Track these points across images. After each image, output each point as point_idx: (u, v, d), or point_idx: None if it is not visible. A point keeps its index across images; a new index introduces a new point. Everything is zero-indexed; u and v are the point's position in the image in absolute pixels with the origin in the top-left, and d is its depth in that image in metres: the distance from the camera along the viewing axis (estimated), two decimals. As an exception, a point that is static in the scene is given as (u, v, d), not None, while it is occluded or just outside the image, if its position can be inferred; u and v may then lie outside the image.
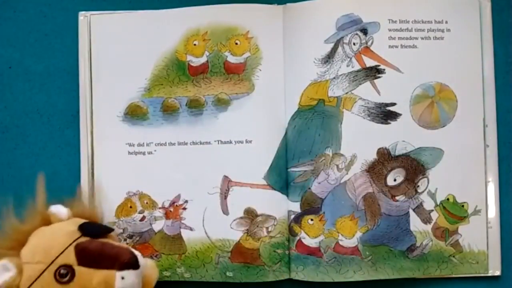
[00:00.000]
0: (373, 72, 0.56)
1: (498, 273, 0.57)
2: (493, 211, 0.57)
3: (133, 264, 0.47)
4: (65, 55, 0.59)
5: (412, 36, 0.57)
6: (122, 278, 0.46)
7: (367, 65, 0.57)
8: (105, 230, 0.51)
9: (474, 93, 0.57)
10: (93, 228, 0.50)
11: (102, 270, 0.46)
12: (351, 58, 0.57)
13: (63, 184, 0.58)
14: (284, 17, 0.57)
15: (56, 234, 0.49)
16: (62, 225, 0.50)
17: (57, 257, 0.47)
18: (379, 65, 0.57)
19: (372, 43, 0.57)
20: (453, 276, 0.57)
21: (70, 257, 0.47)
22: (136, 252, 0.49)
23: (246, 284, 0.56)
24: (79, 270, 0.47)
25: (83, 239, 0.49)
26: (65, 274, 0.46)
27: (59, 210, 0.51)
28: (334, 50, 0.56)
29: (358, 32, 0.56)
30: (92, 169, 0.57)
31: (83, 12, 0.58)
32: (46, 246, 0.48)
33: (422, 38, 0.57)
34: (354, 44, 0.57)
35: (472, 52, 0.57)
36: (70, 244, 0.48)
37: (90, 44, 0.58)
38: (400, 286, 0.57)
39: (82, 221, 0.51)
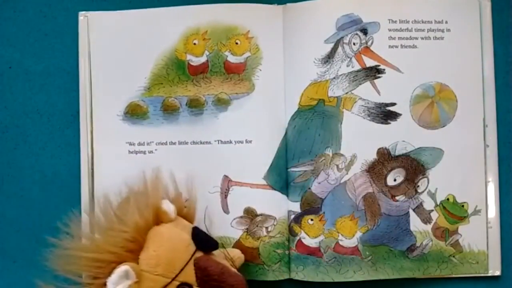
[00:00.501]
0: (373, 72, 0.57)
1: (498, 273, 0.57)
2: (493, 211, 0.57)
3: None
4: (65, 55, 0.59)
5: (412, 36, 0.57)
6: None
7: (367, 65, 0.57)
8: (215, 245, 0.50)
9: (474, 93, 0.57)
10: (206, 243, 0.49)
11: None
12: (351, 58, 0.57)
13: (63, 184, 0.58)
14: (284, 17, 0.57)
15: (176, 244, 0.47)
16: (176, 231, 0.49)
17: (178, 273, 0.46)
18: (379, 65, 0.57)
19: (372, 43, 0.57)
20: (453, 276, 0.57)
21: (190, 275, 0.46)
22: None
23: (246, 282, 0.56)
24: None
25: (199, 253, 0.48)
26: None
27: (169, 208, 0.49)
28: (334, 50, 0.56)
29: (358, 32, 0.57)
30: (92, 169, 0.57)
31: (83, 12, 0.58)
32: (169, 259, 0.46)
33: (422, 38, 0.57)
34: (354, 44, 0.57)
35: (472, 52, 0.57)
36: (190, 260, 0.47)
37: (90, 44, 0.58)
38: (400, 286, 0.57)
39: (188, 224, 0.50)
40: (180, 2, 0.57)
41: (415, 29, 0.57)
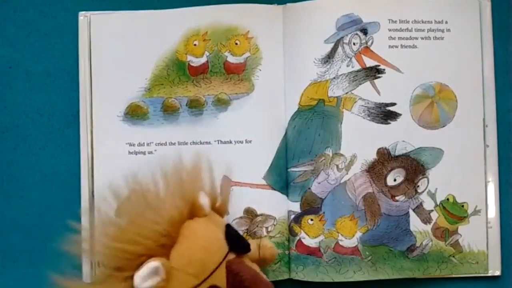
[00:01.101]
0: (373, 72, 0.56)
1: (498, 273, 0.57)
2: (493, 211, 0.57)
3: None
4: (65, 55, 0.59)
5: (412, 36, 0.57)
6: None
7: (367, 65, 0.57)
8: (247, 248, 0.48)
9: (474, 93, 0.57)
10: (239, 244, 0.47)
11: None
12: (351, 58, 0.57)
13: (63, 184, 0.58)
14: (284, 17, 0.57)
15: (210, 244, 0.45)
16: (211, 228, 0.46)
17: (209, 275, 0.44)
18: (379, 65, 0.57)
19: (372, 43, 0.57)
20: (453, 276, 0.57)
21: (221, 278, 0.44)
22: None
23: None
24: None
25: (231, 255, 0.46)
26: None
27: (205, 202, 0.46)
28: (334, 50, 0.56)
29: (358, 32, 0.57)
30: (92, 169, 0.57)
31: (83, 12, 0.58)
32: (202, 259, 0.44)
33: (422, 38, 0.57)
34: (354, 44, 0.57)
35: (472, 52, 0.57)
36: (222, 262, 0.45)
37: (90, 44, 0.58)
38: (400, 286, 0.57)
39: (221, 221, 0.48)
40: (181, 4, 0.57)
41: (415, 29, 0.57)
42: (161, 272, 0.42)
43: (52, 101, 0.59)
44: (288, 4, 0.57)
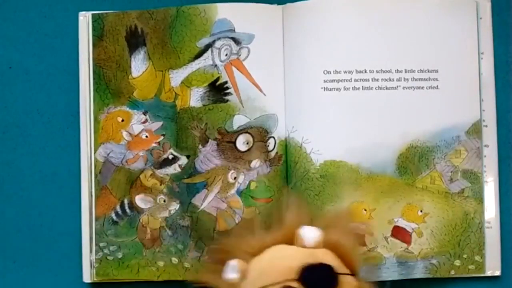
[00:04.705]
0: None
1: (498, 273, 0.57)
2: (492, 211, 0.57)
3: None
4: (65, 55, 0.59)
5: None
6: None
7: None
8: None
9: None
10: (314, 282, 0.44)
11: None
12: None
13: (63, 184, 0.58)
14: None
15: (275, 266, 0.45)
16: (292, 255, 0.46)
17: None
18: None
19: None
20: (453, 276, 0.56)
21: None
22: None
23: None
24: None
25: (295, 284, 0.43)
26: None
27: (307, 234, 0.47)
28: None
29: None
30: (92, 169, 0.57)
31: (83, 12, 0.58)
32: (263, 271, 0.45)
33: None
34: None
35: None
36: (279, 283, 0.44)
37: (90, 44, 0.58)
38: (399, 286, 0.57)
39: (319, 260, 0.45)
40: (180, 2, 0.57)
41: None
42: (237, 270, 0.46)
43: (52, 101, 0.59)
44: (288, 4, 0.57)
